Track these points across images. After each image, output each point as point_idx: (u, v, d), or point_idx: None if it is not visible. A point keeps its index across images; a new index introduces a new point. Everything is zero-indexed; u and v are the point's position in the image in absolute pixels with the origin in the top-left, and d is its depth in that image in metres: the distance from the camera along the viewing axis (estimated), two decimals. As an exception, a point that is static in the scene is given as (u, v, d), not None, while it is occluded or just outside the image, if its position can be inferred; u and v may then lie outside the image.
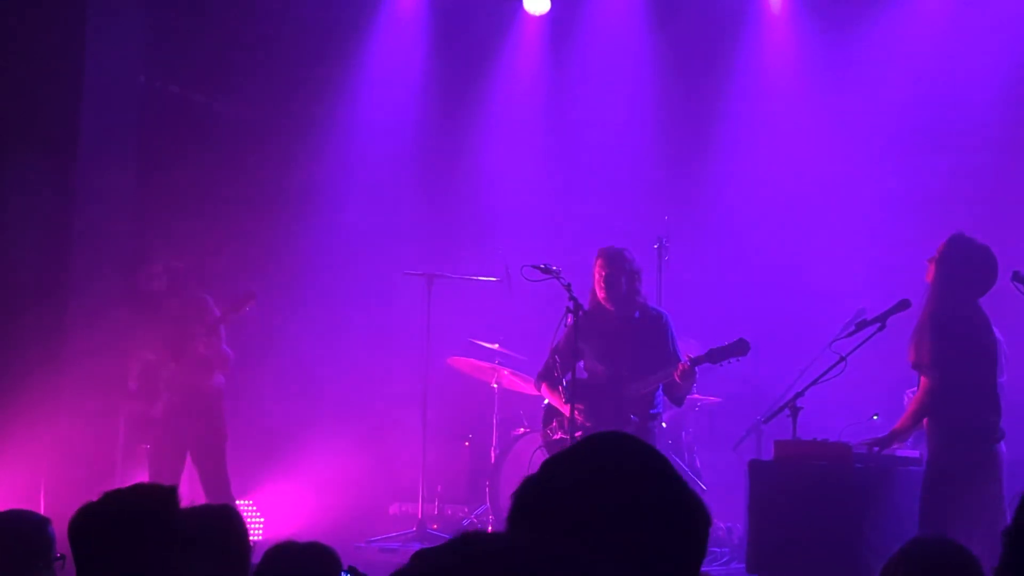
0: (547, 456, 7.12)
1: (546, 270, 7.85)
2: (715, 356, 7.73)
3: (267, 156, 11.50)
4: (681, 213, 10.86)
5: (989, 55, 10.77)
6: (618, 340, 8.03)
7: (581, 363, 8.20)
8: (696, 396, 10.69)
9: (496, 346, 10.14)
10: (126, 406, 9.11)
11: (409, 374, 10.70)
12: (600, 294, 8.05)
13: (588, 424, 7.94)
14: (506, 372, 10.01)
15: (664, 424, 9.86)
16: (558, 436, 8.15)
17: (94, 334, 9.25)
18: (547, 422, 8.43)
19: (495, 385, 10.11)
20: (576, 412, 7.91)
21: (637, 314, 8.09)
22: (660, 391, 8.13)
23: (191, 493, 9.01)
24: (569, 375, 7.87)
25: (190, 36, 10.94)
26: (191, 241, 10.39)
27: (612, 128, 12.08)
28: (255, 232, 11.20)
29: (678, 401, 8.25)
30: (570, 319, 7.84)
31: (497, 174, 12.25)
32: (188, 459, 9.06)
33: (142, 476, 9.14)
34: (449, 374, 10.48)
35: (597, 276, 8.05)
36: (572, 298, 7.83)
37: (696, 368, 7.75)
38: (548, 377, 8.29)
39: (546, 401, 8.60)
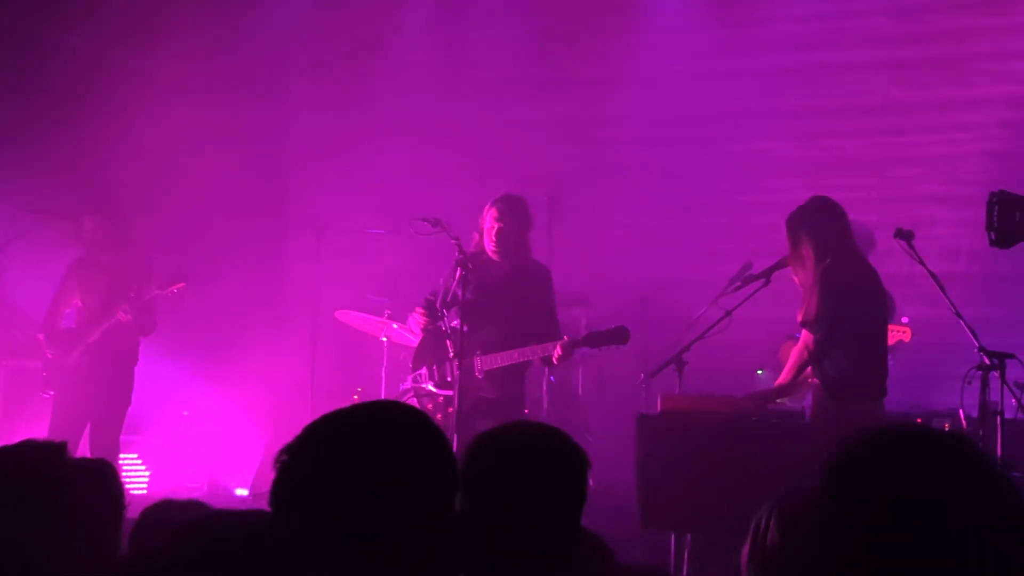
0: (417, 405, 7.09)
1: (435, 223, 7.80)
2: (594, 340, 7.74)
3: (148, 99, 11.20)
4: (573, 171, 10.89)
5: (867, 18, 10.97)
6: (499, 296, 7.92)
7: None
8: (585, 351, 10.76)
9: (386, 299, 10.09)
10: (42, 351, 8.95)
11: (298, 326, 10.61)
12: (490, 245, 7.95)
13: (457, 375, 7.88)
14: (395, 326, 9.96)
15: (553, 379, 9.92)
16: (425, 386, 8.04)
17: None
18: (416, 366, 8.24)
19: (384, 339, 10.06)
20: (449, 364, 7.90)
21: (523, 269, 8.03)
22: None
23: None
24: (455, 321, 7.81)
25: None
26: (51, 190, 10.10)
27: (506, 82, 12.05)
28: (132, 183, 10.98)
29: (547, 362, 8.21)
30: (459, 273, 7.79)
31: (389, 124, 12.18)
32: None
33: (25, 431, 9.00)
34: (338, 327, 10.42)
35: (489, 226, 7.94)
36: (461, 251, 7.79)
37: (570, 349, 7.71)
38: (429, 307, 8.12)
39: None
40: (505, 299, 7.89)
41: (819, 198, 7.05)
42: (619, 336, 7.71)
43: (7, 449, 3.42)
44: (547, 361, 7.84)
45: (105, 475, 3.71)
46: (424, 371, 8.08)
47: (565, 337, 7.71)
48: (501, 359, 7.75)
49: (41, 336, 9.03)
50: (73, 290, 9.00)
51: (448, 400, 7.81)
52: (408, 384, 8.43)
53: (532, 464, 2.76)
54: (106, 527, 3.52)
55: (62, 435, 8.21)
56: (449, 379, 7.91)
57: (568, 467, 2.80)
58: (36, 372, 9.58)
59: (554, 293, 8.09)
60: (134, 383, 8.90)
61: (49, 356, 8.91)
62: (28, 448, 3.40)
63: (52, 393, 8.84)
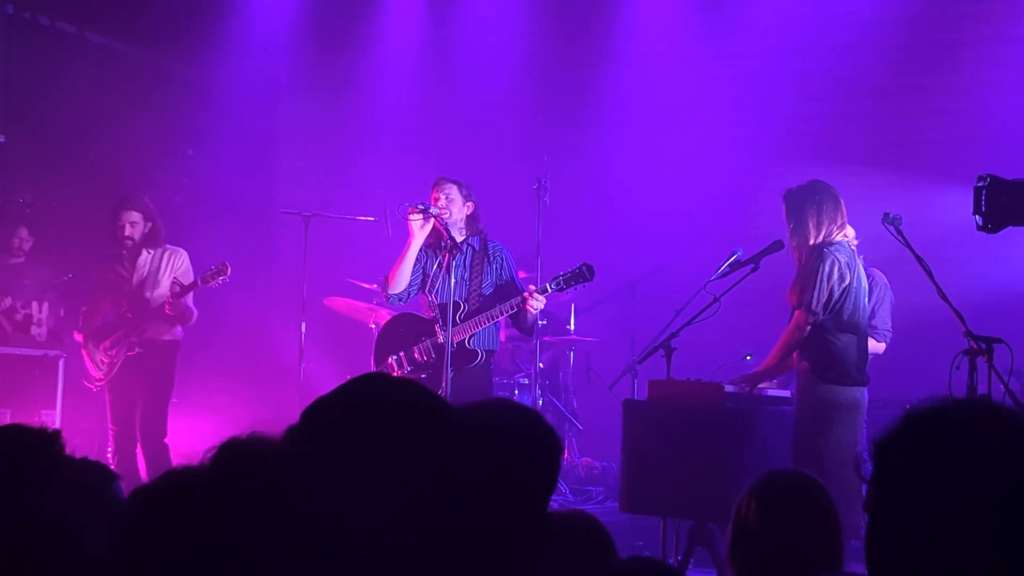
0: None
1: (424, 210, 7.81)
2: (560, 283, 7.73)
3: (139, 89, 11.27)
4: (561, 155, 10.88)
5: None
6: (460, 270, 7.94)
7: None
8: (573, 337, 10.78)
9: (374, 286, 10.09)
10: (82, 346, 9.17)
11: (286, 314, 10.61)
12: (444, 217, 7.96)
13: (432, 358, 7.88)
14: (384, 313, 9.96)
15: (542, 365, 9.93)
16: (396, 374, 8.00)
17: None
18: (381, 359, 8.21)
19: (373, 326, 10.06)
20: (418, 347, 7.92)
21: (477, 244, 8.06)
22: (498, 324, 8.06)
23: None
24: (440, 298, 7.83)
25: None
26: (59, 177, 10.22)
27: (492, 69, 12.04)
28: (127, 168, 11.00)
29: (527, 331, 8.21)
30: (447, 257, 7.81)
31: (376, 114, 12.17)
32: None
33: (12, 417, 9.04)
34: (327, 314, 10.42)
35: (432, 199, 7.99)
36: (450, 237, 7.81)
37: (543, 295, 7.70)
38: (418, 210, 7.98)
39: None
40: (466, 276, 7.92)
41: (816, 181, 7.08)
42: (583, 274, 7.71)
43: None
44: (518, 318, 7.82)
45: (100, 476, 3.68)
46: (391, 361, 8.07)
47: (531, 287, 7.72)
48: (472, 325, 7.76)
49: (79, 335, 9.22)
50: (108, 286, 9.15)
51: (424, 383, 7.79)
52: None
53: (505, 444, 2.76)
54: (96, 521, 3.48)
55: (122, 424, 8.80)
56: (420, 359, 7.91)
57: (538, 449, 2.80)
58: (26, 359, 9.66)
59: (513, 267, 8.10)
60: (175, 372, 9.09)
61: (88, 353, 9.11)
62: (17, 431, 3.38)
63: (98, 385, 9.04)
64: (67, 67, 10.81)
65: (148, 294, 8.94)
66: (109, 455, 9.10)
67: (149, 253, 9.06)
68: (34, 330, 10.27)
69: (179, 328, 9.07)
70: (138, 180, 11.13)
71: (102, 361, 9.03)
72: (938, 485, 1.95)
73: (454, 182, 8.07)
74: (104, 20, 11.20)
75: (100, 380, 9.04)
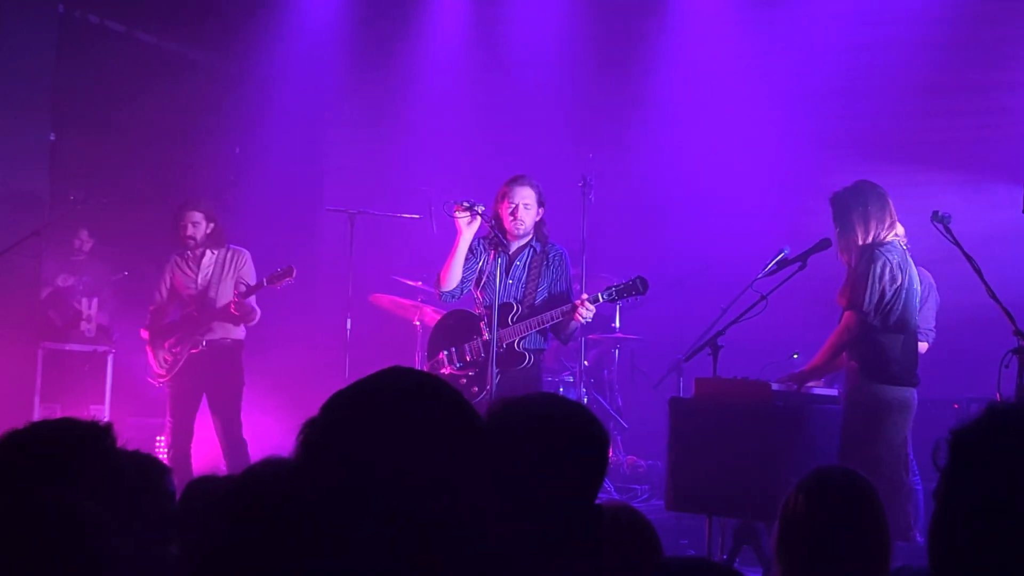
0: None
1: (470, 207, 7.79)
2: (612, 293, 7.68)
3: (188, 88, 11.36)
4: (607, 153, 10.86)
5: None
6: (517, 276, 7.92)
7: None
8: (619, 335, 10.76)
9: (419, 283, 10.12)
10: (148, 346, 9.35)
11: (332, 311, 10.64)
12: (507, 223, 7.94)
13: (481, 357, 7.87)
14: (429, 310, 9.98)
15: (587, 363, 9.91)
16: (446, 371, 8.01)
17: (9, 272, 9.21)
18: (433, 354, 8.19)
19: (418, 323, 10.08)
20: (468, 345, 7.93)
21: (539, 248, 8.02)
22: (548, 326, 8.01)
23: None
24: (490, 298, 7.82)
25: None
26: (109, 174, 10.30)
27: (538, 67, 12.04)
28: (175, 165, 11.10)
29: (565, 340, 8.17)
30: (492, 255, 7.80)
31: (422, 111, 12.19)
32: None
33: (62, 412, 9.14)
34: (372, 311, 10.44)
35: (507, 204, 7.93)
36: (496, 235, 7.79)
37: (594, 306, 7.65)
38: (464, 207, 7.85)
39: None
40: (523, 278, 7.90)
41: (862, 182, 7.03)
42: (637, 287, 7.64)
43: (49, 422, 3.43)
44: (560, 325, 7.79)
45: (153, 470, 3.71)
46: (442, 356, 8.06)
47: (584, 294, 7.68)
48: (522, 328, 7.73)
49: (145, 333, 9.36)
50: (174, 285, 9.34)
51: (471, 380, 7.81)
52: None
53: (553, 435, 2.76)
54: (150, 514, 3.51)
55: (179, 419, 8.97)
56: (468, 358, 7.91)
57: (588, 443, 2.81)
58: (76, 355, 9.79)
59: (571, 273, 8.07)
60: (243, 369, 9.28)
61: (153, 351, 9.27)
62: (69, 425, 3.40)
63: (161, 382, 9.21)
64: (116, 65, 10.90)
65: (212, 294, 9.11)
66: (163, 449, 9.25)
67: (213, 253, 9.24)
68: (83, 326, 10.39)
69: (243, 327, 9.23)
70: (185, 177, 11.25)
71: (165, 359, 9.18)
72: (1014, 479, 1.94)
73: (533, 187, 7.94)
74: (152, 19, 11.29)
75: (163, 376, 9.20)
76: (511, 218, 7.85)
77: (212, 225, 9.21)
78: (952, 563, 1.99)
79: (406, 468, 2.06)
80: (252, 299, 9.10)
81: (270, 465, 2.03)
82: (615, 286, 7.66)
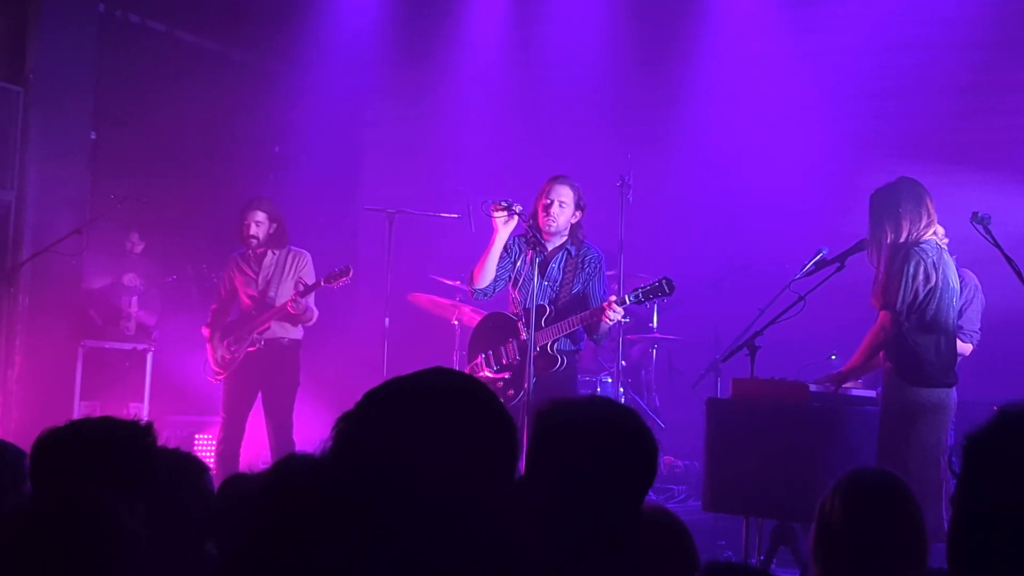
0: None
1: (507, 207, 7.79)
2: (639, 295, 7.65)
3: (228, 87, 11.42)
4: (645, 153, 10.84)
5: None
6: (552, 276, 7.90)
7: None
8: (656, 335, 10.74)
9: (457, 283, 10.13)
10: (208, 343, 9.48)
11: (370, 310, 10.68)
12: (541, 219, 7.94)
13: (516, 360, 7.85)
14: (467, 309, 9.99)
15: (624, 363, 9.89)
16: (484, 373, 8.01)
17: (51, 270, 9.29)
18: (472, 357, 8.19)
19: (456, 322, 10.09)
20: (504, 348, 7.93)
21: (574, 251, 8.00)
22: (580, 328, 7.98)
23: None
24: (528, 300, 7.82)
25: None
26: (149, 173, 10.37)
27: (576, 67, 12.04)
28: (215, 165, 11.15)
29: (597, 340, 8.16)
30: (530, 254, 7.80)
31: (461, 110, 12.21)
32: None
33: (101, 410, 9.23)
34: (410, 310, 10.46)
35: (543, 200, 7.93)
36: (534, 235, 7.79)
37: (621, 307, 7.63)
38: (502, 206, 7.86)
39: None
40: (558, 279, 7.89)
41: (906, 179, 6.96)
42: (663, 288, 7.61)
43: (89, 420, 3.44)
44: (591, 326, 7.78)
45: (192, 469, 3.71)
46: (480, 359, 8.07)
47: (612, 297, 7.65)
48: (553, 331, 7.73)
49: (206, 330, 9.49)
50: (235, 285, 9.44)
51: (506, 384, 7.80)
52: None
53: (604, 439, 2.75)
54: (188, 512, 3.52)
55: (232, 415, 9.07)
56: (504, 361, 7.92)
57: (636, 451, 2.79)
58: (115, 352, 9.88)
59: (605, 276, 8.05)
60: (299, 370, 9.38)
61: (212, 348, 9.39)
62: (110, 423, 3.41)
63: (218, 379, 9.35)
64: (157, 65, 10.97)
65: (272, 293, 9.22)
66: (207, 446, 9.35)
67: (274, 254, 9.35)
68: (123, 324, 10.47)
69: (300, 327, 9.34)
70: (225, 176, 11.31)
71: (223, 357, 9.31)
72: None
73: (573, 187, 7.93)
74: (193, 18, 11.36)
75: (220, 374, 9.32)
76: (544, 214, 7.83)
77: (275, 225, 9.33)
78: (969, 566, 1.98)
79: (437, 466, 2.07)
80: (311, 299, 9.18)
81: (295, 461, 2.04)
82: (641, 288, 7.65)
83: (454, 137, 12.20)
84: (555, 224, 7.84)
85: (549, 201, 7.85)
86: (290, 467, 2.01)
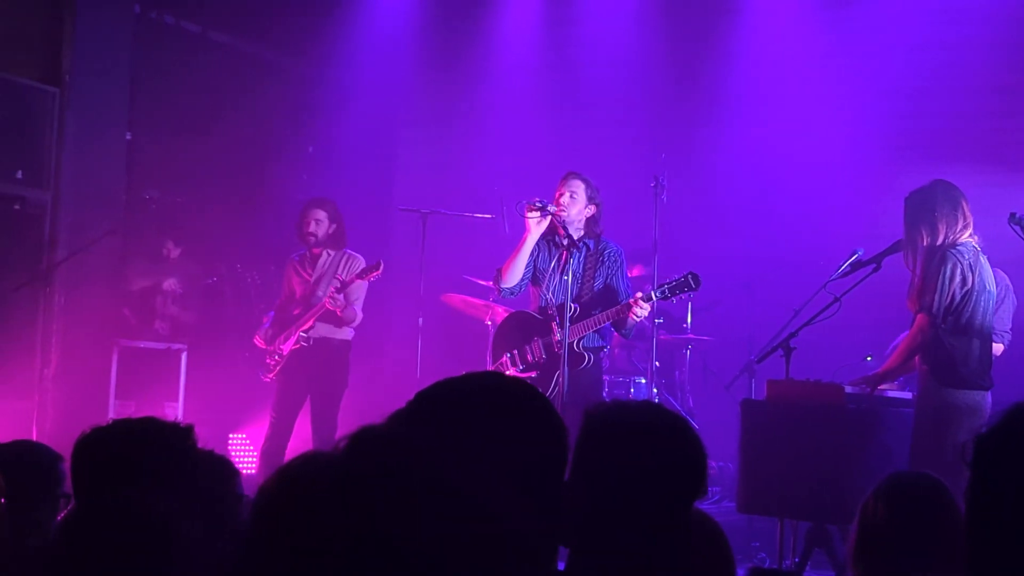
0: None
1: (542, 207, 7.81)
2: (665, 291, 7.65)
3: (262, 88, 11.46)
4: (679, 153, 10.82)
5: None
6: (574, 270, 7.91)
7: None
8: (690, 336, 10.71)
9: (491, 283, 10.11)
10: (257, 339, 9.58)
11: (403, 310, 10.69)
12: (562, 215, 7.96)
13: (543, 359, 7.86)
14: (500, 309, 9.98)
15: (658, 364, 9.87)
16: (510, 373, 7.98)
17: (86, 270, 9.34)
18: (496, 357, 8.23)
19: (489, 323, 10.09)
20: (530, 346, 7.93)
21: (592, 246, 8.01)
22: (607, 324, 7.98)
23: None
24: (555, 297, 7.83)
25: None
26: (183, 173, 10.41)
27: (610, 67, 12.03)
28: (249, 165, 11.19)
29: (625, 335, 8.18)
30: (564, 255, 7.81)
31: (494, 111, 12.21)
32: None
33: (135, 409, 9.28)
34: (443, 311, 10.47)
35: (556, 194, 7.98)
36: (568, 235, 7.79)
37: (647, 303, 7.63)
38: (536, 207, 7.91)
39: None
40: (580, 275, 7.90)
41: (941, 182, 6.92)
42: (689, 283, 7.62)
43: (130, 422, 3.45)
44: (618, 322, 7.78)
45: (225, 472, 3.71)
46: (505, 359, 8.08)
47: (638, 293, 7.66)
48: (580, 329, 7.73)
49: (259, 341, 9.55)
50: (294, 286, 9.54)
51: (534, 382, 7.75)
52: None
53: (654, 444, 2.72)
54: (223, 517, 3.51)
55: (280, 414, 9.13)
56: (531, 359, 7.93)
57: (689, 455, 2.76)
58: (150, 352, 9.93)
59: (625, 274, 8.06)
60: (349, 371, 9.41)
61: (262, 346, 9.48)
62: (152, 424, 3.41)
63: (269, 377, 9.42)
64: (191, 65, 11.01)
65: (320, 292, 9.25)
66: (248, 444, 9.40)
67: (329, 255, 9.42)
68: (157, 324, 10.51)
69: (350, 329, 9.35)
70: (259, 176, 11.35)
71: (273, 356, 9.38)
72: None
73: (583, 180, 8.05)
74: (227, 19, 11.39)
75: (271, 372, 9.39)
76: (556, 205, 7.89)
77: (335, 226, 9.41)
78: (985, 564, 1.97)
79: (480, 471, 2.06)
80: (358, 302, 9.22)
81: (310, 460, 2.02)
82: (667, 283, 7.67)
83: (488, 137, 12.20)
84: (565, 213, 7.87)
85: (560, 193, 7.94)
86: (297, 470, 2.00)
